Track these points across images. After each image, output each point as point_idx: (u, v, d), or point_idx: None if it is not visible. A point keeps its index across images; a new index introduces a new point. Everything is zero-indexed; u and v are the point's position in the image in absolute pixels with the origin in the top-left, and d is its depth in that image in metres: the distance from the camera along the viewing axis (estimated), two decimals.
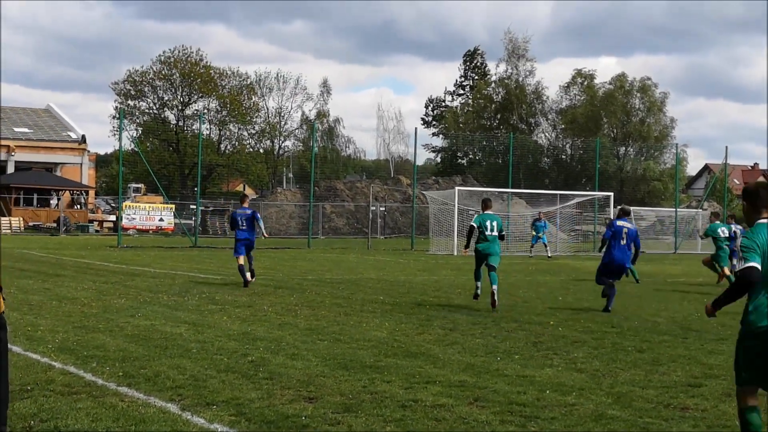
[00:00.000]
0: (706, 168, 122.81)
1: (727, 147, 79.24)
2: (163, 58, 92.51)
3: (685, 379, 11.13)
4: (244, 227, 23.38)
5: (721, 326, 16.61)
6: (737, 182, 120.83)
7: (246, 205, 24.27)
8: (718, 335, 15.30)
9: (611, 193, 53.61)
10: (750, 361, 7.40)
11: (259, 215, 24.08)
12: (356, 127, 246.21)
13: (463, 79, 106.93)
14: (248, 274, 22.92)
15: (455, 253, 42.56)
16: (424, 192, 61.58)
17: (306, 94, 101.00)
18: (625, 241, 19.17)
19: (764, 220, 7.49)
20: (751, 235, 7.42)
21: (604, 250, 19.80)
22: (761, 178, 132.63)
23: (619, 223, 19.62)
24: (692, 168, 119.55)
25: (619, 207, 24.74)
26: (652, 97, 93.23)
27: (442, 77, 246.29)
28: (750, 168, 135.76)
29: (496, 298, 18.65)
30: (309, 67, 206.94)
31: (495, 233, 19.27)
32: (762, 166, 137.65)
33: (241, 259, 23.10)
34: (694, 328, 16.18)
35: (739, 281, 7.34)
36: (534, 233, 44.53)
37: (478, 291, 19.51)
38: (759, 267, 7.18)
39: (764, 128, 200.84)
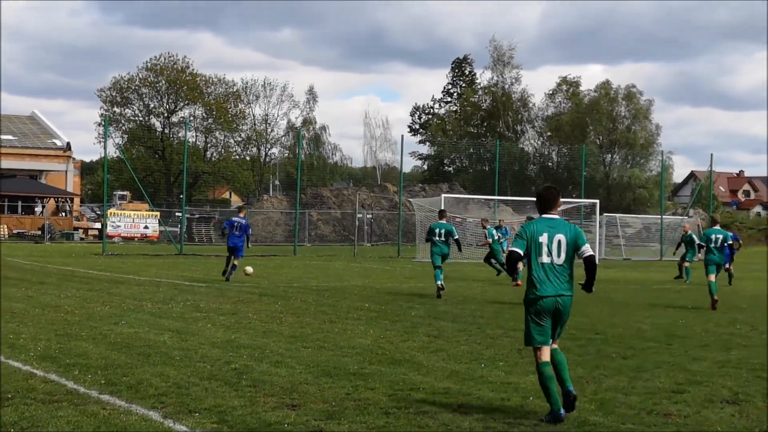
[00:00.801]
0: (692, 175, 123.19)
1: (712, 154, 79.87)
2: (149, 65, 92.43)
3: (669, 386, 11.13)
4: (237, 233, 27.50)
5: (705, 333, 16.67)
6: (723, 189, 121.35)
7: (243, 215, 28.55)
8: (701, 342, 15.34)
9: (597, 201, 53.73)
10: (538, 321, 9.64)
11: (250, 229, 28.35)
12: (343, 135, 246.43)
13: (451, 86, 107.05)
14: (230, 271, 27.31)
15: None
16: (410, 199, 61.62)
17: (292, 101, 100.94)
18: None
19: (548, 216, 9.93)
20: (525, 227, 9.96)
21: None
22: (746, 186, 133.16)
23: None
24: (678, 175, 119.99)
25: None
26: (638, 104, 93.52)
27: (430, 85, 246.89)
28: (735, 175, 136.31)
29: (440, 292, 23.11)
30: (296, 74, 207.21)
31: (443, 239, 23.97)
32: (747, 174, 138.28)
33: (235, 260, 27.69)
34: (678, 335, 16.19)
35: (506, 259, 11.04)
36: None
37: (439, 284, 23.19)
38: (519, 251, 9.78)
39: (750, 136, 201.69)
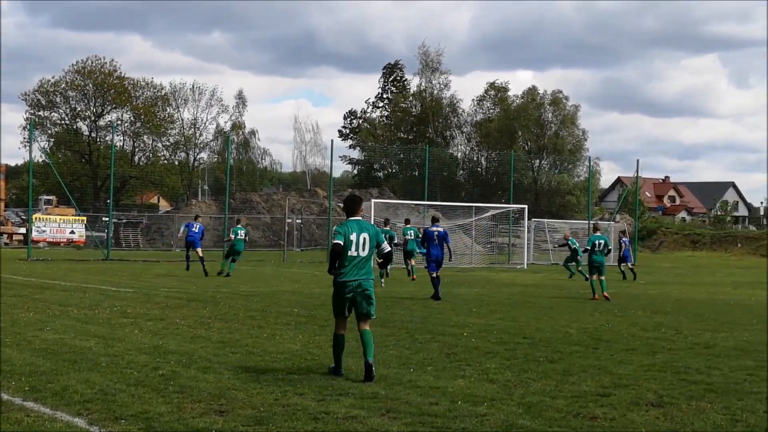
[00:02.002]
0: (619, 181, 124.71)
1: (638, 160, 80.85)
2: (76, 67, 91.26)
3: (595, 389, 11.25)
4: (196, 231, 34.24)
5: (631, 337, 16.88)
6: (649, 195, 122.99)
7: (199, 221, 35.27)
8: (627, 345, 15.52)
9: (526, 206, 54.16)
10: (341, 301, 11.93)
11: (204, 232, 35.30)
12: (273, 139, 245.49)
13: (382, 91, 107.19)
14: (202, 265, 33.68)
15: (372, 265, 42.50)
16: (340, 204, 61.53)
17: (222, 105, 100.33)
18: None
19: (355, 218, 12.15)
20: (341, 226, 12.04)
21: None
22: (671, 191, 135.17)
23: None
24: (605, 181, 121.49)
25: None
26: (564, 110, 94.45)
27: (362, 90, 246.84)
28: (661, 181, 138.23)
29: None
30: (226, 78, 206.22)
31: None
32: (672, 180, 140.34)
33: (200, 251, 34.13)
34: (604, 339, 16.38)
35: (331, 251, 12.09)
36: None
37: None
38: (341, 243, 11.83)
39: (676, 142, 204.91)
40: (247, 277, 33.93)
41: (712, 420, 9.72)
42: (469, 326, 17.96)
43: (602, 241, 26.66)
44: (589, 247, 26.87)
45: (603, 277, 26.15)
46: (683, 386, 11.62)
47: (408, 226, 35.91)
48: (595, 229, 28.59)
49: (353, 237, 11.93)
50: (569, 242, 39.14)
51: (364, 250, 12.02)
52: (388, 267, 32.50)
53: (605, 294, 25.66)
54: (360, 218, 12.23)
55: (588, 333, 17.32)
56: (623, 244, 41.25)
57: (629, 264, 40.12)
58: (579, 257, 37.57)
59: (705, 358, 14.15)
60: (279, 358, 13.15)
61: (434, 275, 25.05)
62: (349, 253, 11.91)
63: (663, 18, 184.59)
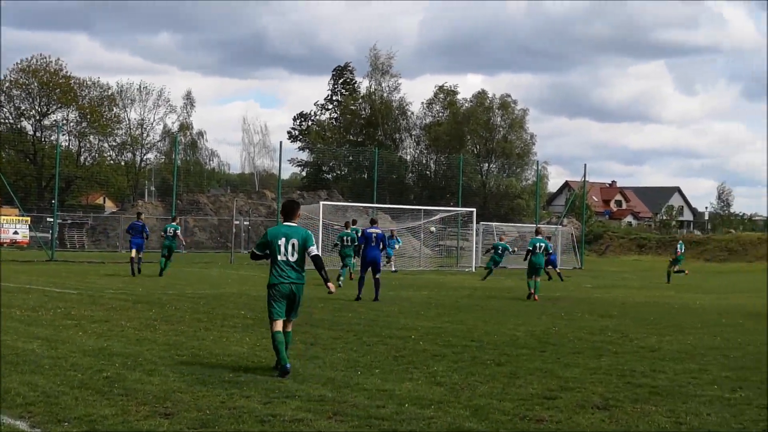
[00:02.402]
0: (566, 185, 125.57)
1: (585, 165, 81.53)
2: (21, 66, 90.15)
3: (542, 392, 11.29)
4: (138, 232, 34.93)
5: (577, 340, 16.98)
6: (596, 199, 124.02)
7: (141, 219, 36.20)
8: (574, 348, 15.61)
9: (474, 209, 54.33)
10: (275, 301, 12.41)
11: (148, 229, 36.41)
12: (221, 141, 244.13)
13: (331, 94, 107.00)
14: (136, 267, 33.77)
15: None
16: None
17: (169, 106, 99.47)
18: None
19: (288, 223, 12.63)
20: (271, 230, 12.65)
21: None
22: (618, 196, 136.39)
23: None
24: (553, 185, 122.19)
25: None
26: (512, 114, 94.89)
27: (311, 91, 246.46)
28: (608, 185, 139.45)
29: None
30: (174, 78, 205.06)
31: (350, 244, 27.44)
32: (619, 184, 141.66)
33: (133, 253, 34.30)
34: (551, 342, 16.46)
35: (252, 255, 13.07)
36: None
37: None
38: (257, 252, 12.74)
39: (623, 147, 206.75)
40: (194, 279, 33.72)
41: (657, 422, 9.80)
42: (417, 329, 17.97)
43: (542, 244, 28.39)
44: (530, 248, 28.36)
45: (539, 279, 28.16)
46: (628, 389, 11.70)
47: (354, 227, 36.15)
48: (537, 232, 30.35)
49: (281, 242, 12.42)
50: (495, 246, 42.44)
51: (293, 254, 12.47)
52: (351, 267, 33.15)
53: (536, 296, 27.30)
54: (294, 223, 12.69)
55: (535, 336, 17.39)
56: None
57: (555, 268, 42.89)
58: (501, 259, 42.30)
59: (650, 362, 14.26)
60: (225, 361, 13.07)
61: (363, 275, 25.97)
62: (279, 258, 12.43)
63: (611, 24, 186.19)
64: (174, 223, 36.67)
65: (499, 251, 41.77)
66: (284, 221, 12.73)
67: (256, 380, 11.50)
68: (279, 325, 12.38)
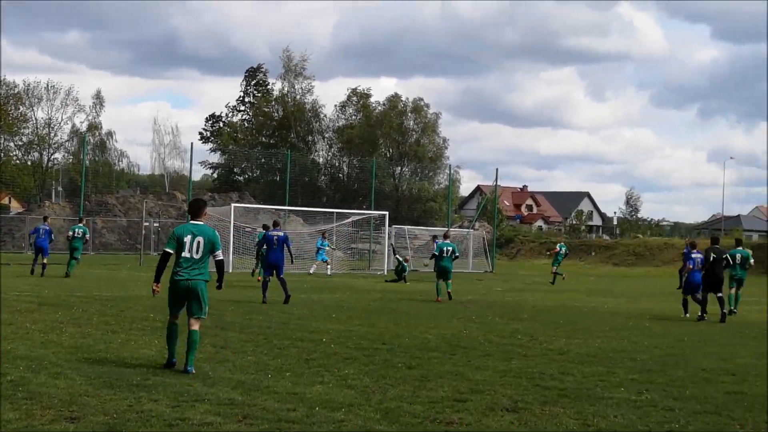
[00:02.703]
0: (478, 189, 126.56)
1: (497, 169, 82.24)
2: None
3: (452, 394, 11.34)
4: (43, 236, 35.24)
5: (487, 343, 17.10)
6: (507, 204, 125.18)
7: (47, 223, 36.77)
8: (484, 351, 15.72)
9: (386, 212, 54.42)
10: (174, 297, 12.77)
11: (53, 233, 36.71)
12: (131, 141, 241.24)
13: (244, 95, 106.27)
14: (40, 271, 33.97)
15: (230, 270, 42.29)
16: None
17: (78, 105, 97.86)
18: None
19: (195, 222, 12.94)
20: (178, 229, 12.87)
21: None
22: (529, 200, 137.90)
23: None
24: (465, 189, 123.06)
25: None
26: (425, 117, 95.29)
27: (223, 92, 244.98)
28: (519, 190, 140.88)
29: None
30: (84, 77, 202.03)
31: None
32: (530, 189, 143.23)
33: (42, 259, 34.59)
34: (462, 345, 16.55)
35: (161, 257, 12.77)
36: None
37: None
38: (170, 250, 12.67)
39: (534, 152, 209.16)
40: (102, 280, 33.22)
41: (565, 425, 9.90)
42: (328, 332, 17.93)
43: (450, 248, 29.46)
44: (436, 253, 29.61)
45: (450, 281, 29.11)
46: (537, 392, 11.82)
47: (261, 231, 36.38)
48: (445, 236, 30.89)
49: (187, 239, 12.71)
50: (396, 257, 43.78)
51: (197, 252, 12.75)
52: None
53: (449, 291, 28.78)
54: (201, 222, 13.04)
55: (446, 339, 17.47)
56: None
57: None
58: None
59: (559, 364, 14.42)
60: (133, 364, 12.89)
61: (268, 279, 25.84)
62: (183, 254, 12.70)
63: (523, 30, 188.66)
64: (81, 224, 36.87)
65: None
66: (191, 219, 13.05)
67: (164, 383, 11.36)
68: (176, 318, 12.89)
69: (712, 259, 24.68)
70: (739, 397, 11.98)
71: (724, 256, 25.33)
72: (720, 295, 24.39)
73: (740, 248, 27.71)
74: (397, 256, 43.78)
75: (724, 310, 24.23)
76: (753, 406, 11.39)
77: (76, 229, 35.70)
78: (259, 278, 33.20)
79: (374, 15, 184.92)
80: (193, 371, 12.26)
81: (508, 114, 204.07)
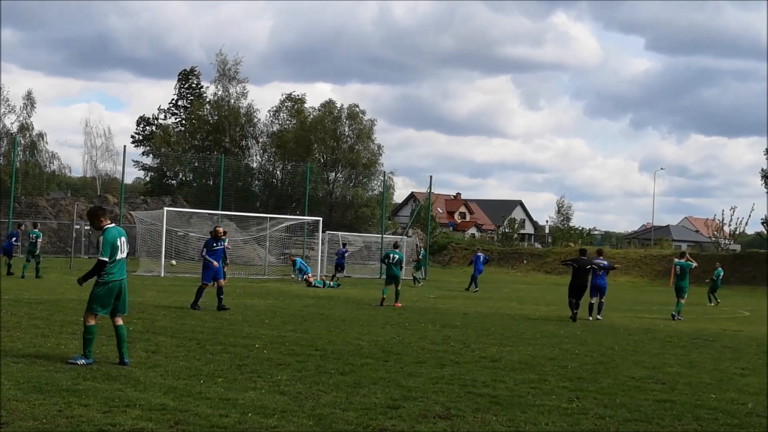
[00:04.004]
0: (412, 196, 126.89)
1: (431, 176, 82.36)
2: None
3: (385, 401, 11.36)
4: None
5: (420, 350, 17.15)
6: (441, 211, 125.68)
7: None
8: (417, 358, 15.77)
9: (320, 218, 54.35)
10: (107, 297, 13.35)
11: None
12: (63, 143, 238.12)
13: (177, 98, 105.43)
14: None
15: (162, 275, 41.95)
16: (131, 212, 60.31)
17: (8, 105, 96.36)
18: None
19: (113, 225, 13.61)
20: (109, 235, 13.38)
21: None
22: (462, 208, 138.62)
23: None
24: (399, 195, 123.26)
25: None
26: (360, 124, 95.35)
27: (158, 95, 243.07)
28: (453, 197, 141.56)
29: None
30: (14, 77, 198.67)
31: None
32: (464, 196, 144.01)
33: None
34: (395, 352, 16.58)
35: (99, 264, 13.27)
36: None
37: None
38: (107, 259, 13.17)
39: (468, 159, 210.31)
40: (31, 284, 32.76)
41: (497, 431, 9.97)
42: (261, 338, 17.87)
43: (396, 256, 30.50)
44: (383, 259, 31.48)
45: (399, 288, 30.17)
46: (470, 399, 11.88)
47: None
48: (395, 245, 32.55)
49: (120, 242, 13.49)
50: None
51: (123, 252, 13.60)
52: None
53: (398, 303, 29.40)
54: (110, 225, 13.66)
55: (379, 346, 17.50)
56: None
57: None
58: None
59: (491, 372, 14.52)
60: (63, 368, 12.73)
61: (207, 285, 25.32)
62: (118, 256, 13.44)
63: (459, 38, 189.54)
64: (36, 230, 40.04)
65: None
66: (92, 226, 13.75)
67: (95, 388, 11.23)
68: (93, 320, 13.46)
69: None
70: (668, 406, 12.17)
71: (587, 267, 27.86)
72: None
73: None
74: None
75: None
76: (682, 415, 11.56)
77: (31, 234, 39.41)
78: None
79: (310, 19, 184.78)
80: (128, 362, 13.29)
81: (444, 121, 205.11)
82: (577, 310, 26.96)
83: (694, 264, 31.19)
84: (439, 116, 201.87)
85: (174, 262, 43.10)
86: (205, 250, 25.79)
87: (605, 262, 28.71)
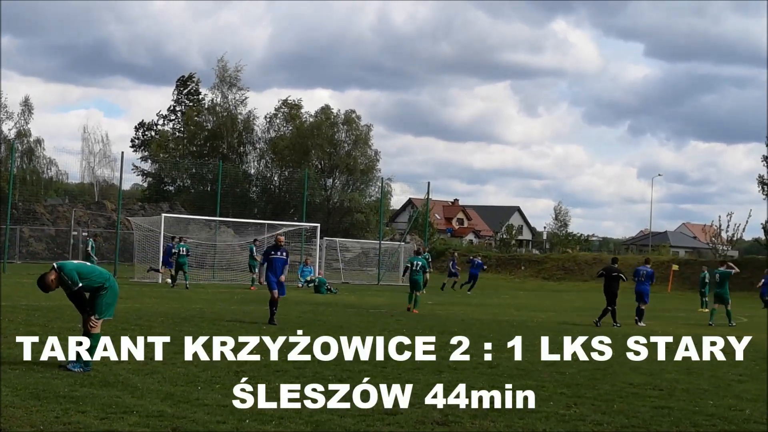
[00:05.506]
0: (410, 202, 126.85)
1: (429, 183, 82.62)
2: None
3: (383, 408, 11.32)
4: None
5: (418, 356, 17.10)
6: (438, 217, 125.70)
7: None
8: (414, 365, 15.73)
9: (318, 224, 54.34)
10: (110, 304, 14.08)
11: None
12: (61, 149, 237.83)
13: (175, 104, 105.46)
14: None
15: (160, 281, 41.93)
16: (129, 218, 60.26)
17: (6, 112, 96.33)
18: None
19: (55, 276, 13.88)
20: (65, 273, 13.84)
21: None
22: (460, 214, 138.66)
23: None
24: (397, 201, 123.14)
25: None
26: (357, 129, 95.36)
27: (156, 101, 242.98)
28: (450, 204, 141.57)
29: None
30: (13, 84, 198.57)
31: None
32: (461, 202, 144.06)
33: None
34: (392, 358, 16.52)
35: (75, 293, 14.04)
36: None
37: None
38: (79, 284, 13.79)
39: (466, 166, 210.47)
40: (29, 290, 32.72)
41: None
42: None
43: (419, 262, 31.98)
44: (408, 266, 32.88)
45: (419, 294, 31.65)
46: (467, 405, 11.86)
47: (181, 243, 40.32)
48: (417, 252, 34.48)
49: (74, 265, 14.39)
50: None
51: (87, 263, 14.94)
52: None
53: (414, 309, 30.41)
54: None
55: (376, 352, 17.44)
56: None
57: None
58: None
59: (489, 378, 14.50)
60: (61, 375, 12.72)
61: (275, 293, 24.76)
62: (84, 273, 14.13)
63: (458, 45, 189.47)
64: (183, 243, 40.55)
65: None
66: (53, 283, 14.26)
67: (93, 395, 11.23)
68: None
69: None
70: (666, 412, 12.17)
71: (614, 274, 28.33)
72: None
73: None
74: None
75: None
76: (680, 421, 11.57)
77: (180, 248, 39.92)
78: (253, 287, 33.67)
79: (308, 26, 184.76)
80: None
81: (442, 128, 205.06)
82: (604, 316, 27.64)
83: (735, 270, 31.84)
84: (438, 122, 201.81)
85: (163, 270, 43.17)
86: (262, 258, 24.92)
87: (649, 270, 29.48)
